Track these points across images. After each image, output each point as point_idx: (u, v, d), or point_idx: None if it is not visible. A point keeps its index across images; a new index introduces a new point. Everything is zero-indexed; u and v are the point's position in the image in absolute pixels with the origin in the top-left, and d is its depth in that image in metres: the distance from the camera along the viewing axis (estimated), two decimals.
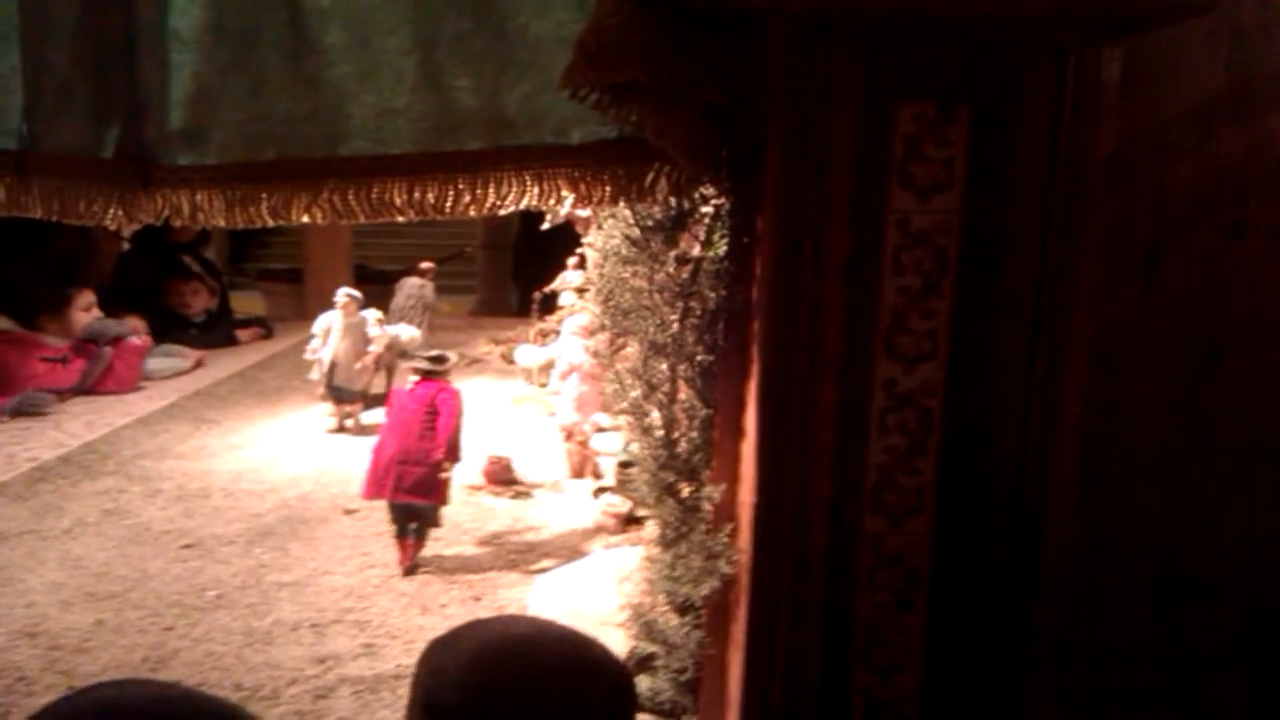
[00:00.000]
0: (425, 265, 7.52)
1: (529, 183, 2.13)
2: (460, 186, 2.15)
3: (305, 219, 2.19)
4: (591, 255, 5.40)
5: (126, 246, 7.81)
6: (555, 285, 6.82)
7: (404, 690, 2.65)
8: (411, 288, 7.19)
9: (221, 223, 2.21)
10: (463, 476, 3.85)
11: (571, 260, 6.53)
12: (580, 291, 6.40)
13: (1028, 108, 1.78)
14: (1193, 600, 1.99)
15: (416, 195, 2.16)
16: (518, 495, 4.30)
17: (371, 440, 4.03)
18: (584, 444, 4.47)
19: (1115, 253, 1.97)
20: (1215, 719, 2.02)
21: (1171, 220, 1.99)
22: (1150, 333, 2.00)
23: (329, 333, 5.30)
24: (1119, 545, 1.99)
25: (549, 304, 6.77)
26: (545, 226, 5.40)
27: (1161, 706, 2.02)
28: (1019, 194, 1.80)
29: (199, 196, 2.19)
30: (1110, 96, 1.86)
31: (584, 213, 5.18)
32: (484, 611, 3.21)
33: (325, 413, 5.35)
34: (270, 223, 2.20)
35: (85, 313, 6.25)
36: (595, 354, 3.83)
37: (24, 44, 2.12)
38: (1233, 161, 1.98)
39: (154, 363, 6.61)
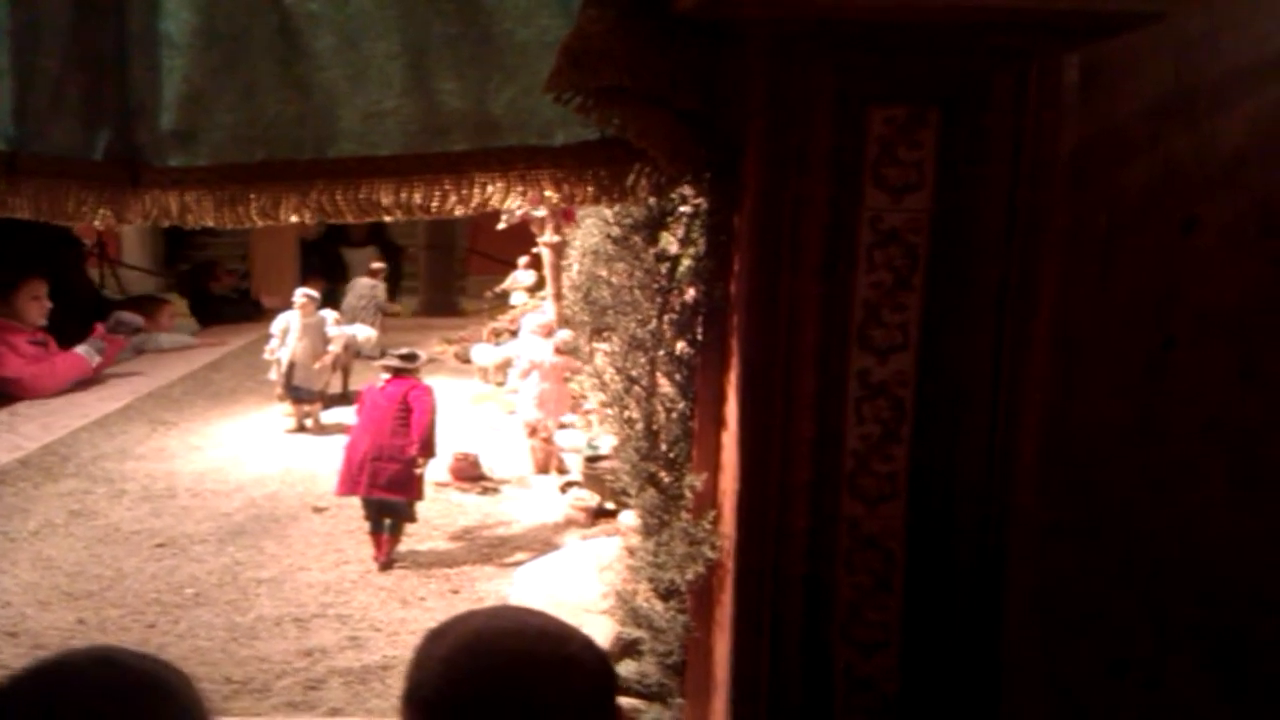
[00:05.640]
0: (376, 266, 7.55)
1: (513, 183, 2.19)
2: (446, 187, 2.20)
3: (294, 219, 2.23)
4: (547, 255, 5.49)
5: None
6: (506, 285, 6.86)
7: (392, 680, 2.73)
8: (363, 288, 7.21)
9: (210, 222, 2.25)
10: (430, 474, 3.90)
11: (523, 260, 6.57)
12: (532, 291, 6.46)
13: (994, 111, 1.86)
14: (1154, 575, 2.10)
15: (403, 196, 2.21)
16: (485, 491, 4.35)
17: (332, 440, 4.08)
18: (548, 440, 4.53)
19: (1073, 247, 2.07)
20: (1179, 687, 2.12)
21: (1126, 216, 2.09)
22: (1107, 323, 2.10)
23: (287, 333, 5.30)
24: (1082, 524, 2.09)
25: None
26: (501, 226, 5.45)
27: (1129, 677, 2.12)
28: (986, 193, 1.88)
29: (188, 197, 2.23)
30: (1070, 100, 1.96)
31: (539, 213, 5.25)
32: (463, 603, 3.27)
33: (284, 413, 5.35)
34: (259, 223, 2.24)
35: (35, 301, 6.29)
36: (572, 350, 3.89)
37: (14, 46, 2.15)
38: (1183, 161, 2.08)
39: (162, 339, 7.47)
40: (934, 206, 1.88)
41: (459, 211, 2.21)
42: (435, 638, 1.45)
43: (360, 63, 2.14)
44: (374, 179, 2.19)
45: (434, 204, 2.21)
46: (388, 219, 2.22)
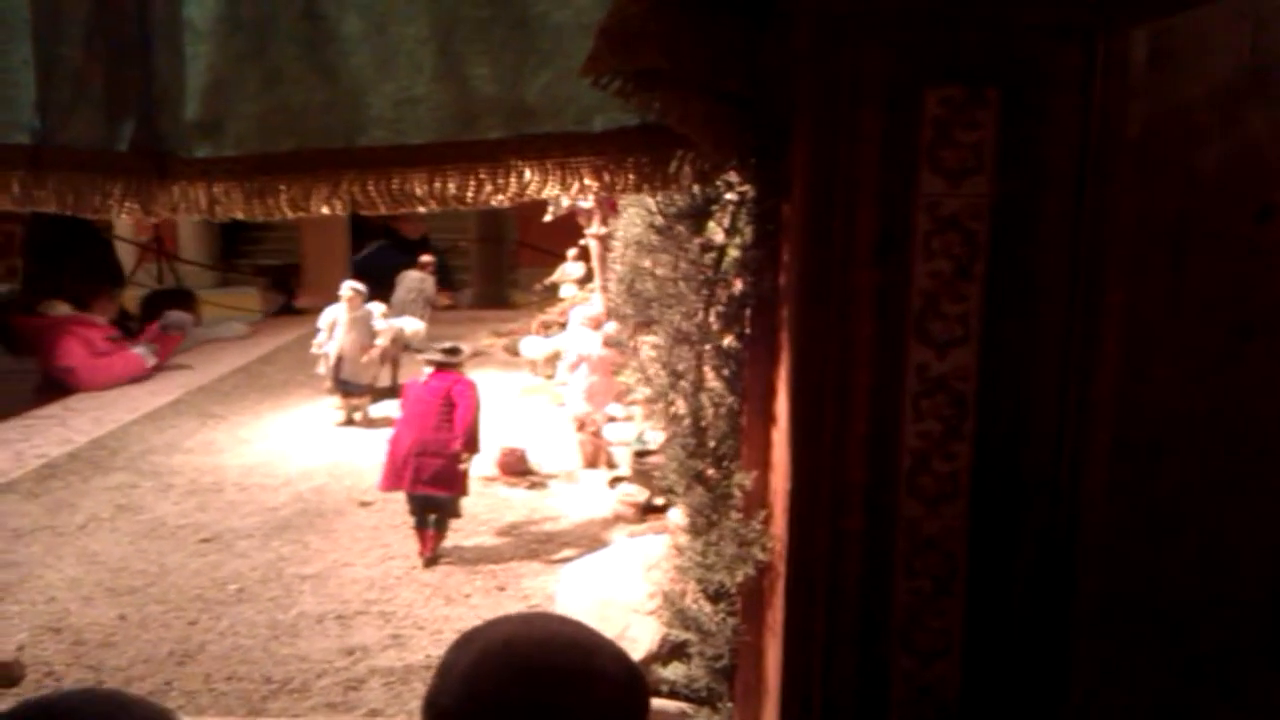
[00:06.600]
0: (425, 259, 7.52)
1: (551, 171, 2.12)
2: (481, 176, 2.13)
3: (325, 210, 2.17)
4: (594, 247, 5.42)
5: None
6: (555, 277, 6.81)
7: None
8: (412, 281, 7.19)
9: (240, 215, 2.18)
10: (477, 468, 3.84)
11: (571, 252, 6.52)
12: (581, 283, 6.39)
13: (1057, 90, 1.76)
14: (1227, 571, 1.99)
15: (437, 186, 2.14)
16: (533, 486, 4.29)
17: (381, 433, 4.02)
18: (596, 434, 4.46)
19: (1143, 234, 1.96)
20: (1252, 686, 2.01)
21: (1198, 202, 1.97)
22: (1180, 312, 1.98)
23: (334, 327, 5.28)
24: (1154, 521, 1.98)
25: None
26: (548, 218, 5.39)
27: (1200, 676, 2.01)
28: (1050, 176, 1.78)
29: (216, 189, 2.17)
30: (1138, 78, 1.85)
31: (586, 204, 5.17)
32: (509, 601, 3.22)
33: (333, 406, 5.33)
34: (290, 215, 2.18)
35: (109, 303, 6.80)
36: (616, 344, 3.82)
37: (35, 37, 2.09)
38: (1258, 144, 1.96)
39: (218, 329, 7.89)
40: (995, 191, 1.78)
41: (495, 201, 2.13)
42: (463, 644, 1.42)
43: (388, 48, 2.07)
44: (406, 168, 2.12)
45: (469, 194, 2.13)
46: (422, 209, 2.15)
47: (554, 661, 1.36)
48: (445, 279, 8.93)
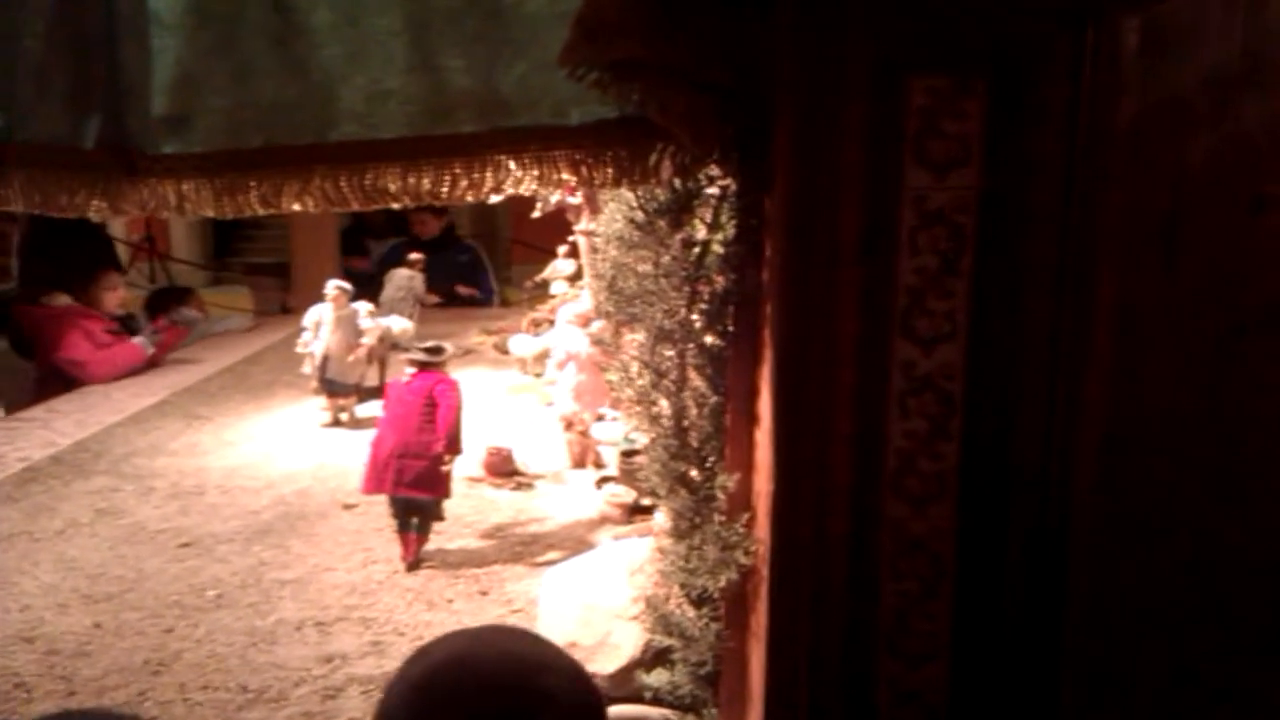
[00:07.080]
0: (414, 257, 7.46)
1: (528, 166, 2.07)
2: (456, 171, 2.08)
3: (296, 207, 2.12)
4: (583, 243, 5.37)
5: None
6: (546, 274, 6.75)
7: None
8: (401, 279, 7.12)
9: (210, 213, 2.14)
10: (462, 468, 3.78)
11: (562, 249, 6.47)
12: (572, 280, 6.34)
13: (1047, 80, 1.71)
14: (1222, 575, 1.94)
15: (410, 181, 2.09)
16: (519, 486, 4.22)
17: (367, 434, 3.97)
18: (584, 433, 4.40)
19: (1134, 228, 1.91)
20: (1248, 693, 1.97)
21: (1190, 194, 1.93)
22: (1172, 308, 1.94)
23: (320, 326, 5.21)
24: (1146, 521, 1.94)
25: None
26: (536, 214, 5.34)
27: (1195, 683, 1.97)
28: (1039, 168, 1.73)
29: (185, 186, 2.13)
30: (1129, 68, 1.80)
31: (575, 200, 5.13)
32: (492, 606, 3.17)
33: (319, 407, 5.27)
34: (260, 212, 2.13)
35: (111, 292, 6.64)
36: (598, 342, 3.77)
37: None
38: (1251, 134, 1.91)
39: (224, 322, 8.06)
40: (982, 184, 1.73)
41: (471, 197, 2.09)
42: (415, 659, 1.42)
43: (360, 40, 2.02)
44: (379, 163, 2.07)
45: (444, 189, 2.09)
46: (395, 205, 2.10)
47: (504, 681, 1.35)
48: (477, 279, 8.88)
